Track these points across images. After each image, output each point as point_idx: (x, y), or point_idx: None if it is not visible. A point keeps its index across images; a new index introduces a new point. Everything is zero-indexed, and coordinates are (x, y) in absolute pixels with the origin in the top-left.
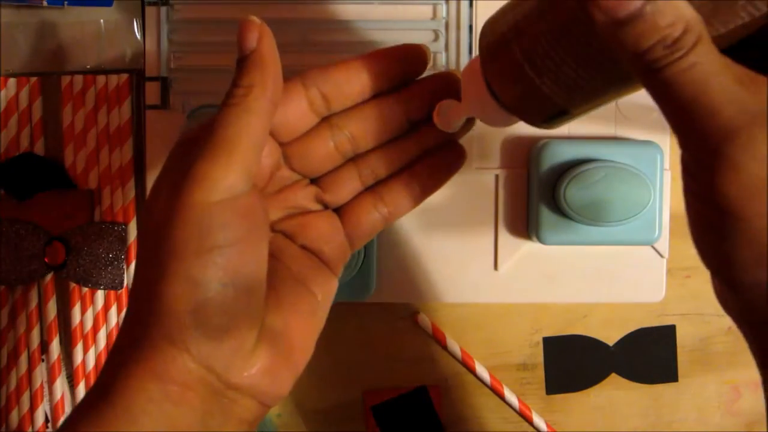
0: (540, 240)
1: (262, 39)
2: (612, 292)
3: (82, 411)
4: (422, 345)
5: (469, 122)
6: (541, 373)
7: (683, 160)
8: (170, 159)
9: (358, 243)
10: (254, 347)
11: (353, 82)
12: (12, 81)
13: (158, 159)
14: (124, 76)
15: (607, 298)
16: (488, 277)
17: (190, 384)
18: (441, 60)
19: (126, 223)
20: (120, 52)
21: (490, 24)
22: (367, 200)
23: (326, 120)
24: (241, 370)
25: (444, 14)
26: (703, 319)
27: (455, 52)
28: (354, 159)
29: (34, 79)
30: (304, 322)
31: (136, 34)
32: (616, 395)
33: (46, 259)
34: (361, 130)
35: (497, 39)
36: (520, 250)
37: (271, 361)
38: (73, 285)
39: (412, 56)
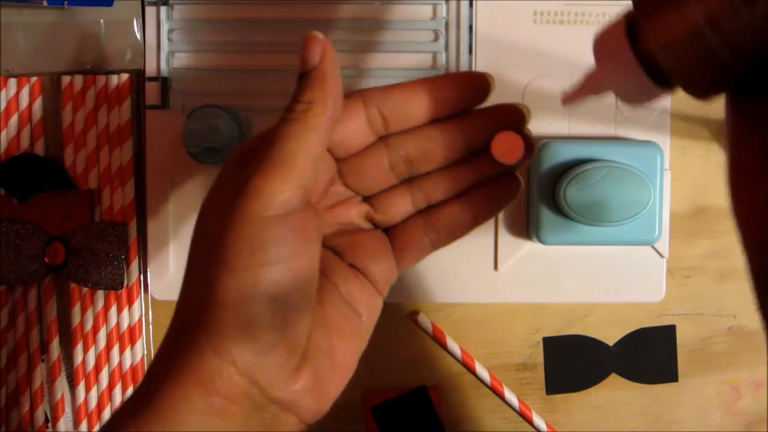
0: (540, 240)
1: (324, 56)
2: (612, 292)
3: (122, 417)
4: (422, 345)
5: (528, 155)
6: (541, 373)
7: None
8: (225, 169)
9: (405, 265)
10: (299, 364)
11: (414, 105)
12: (12, 81)
13: (158, 159)
14: (124, 76)
15: (607, 298)
16: (488, 277)
17: (233, 397)
18: (441, 60)
19: (126, 223)
20: (120, 52)
21: None
22: (418, 223)
23: (383, 139)
24: (285, 386)
25: (444, 14)
26: (703, 319)
27: (455, 52)
28: (408, 181)
29: (34, 79)
30: (349, 342)
31: (136, 34)
32: (616, 395)
33: (46, 259)
34: (418, 152)
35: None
36: (520, 250)
37: (314, 378)
38: (73, 285)
39: (476, 84)
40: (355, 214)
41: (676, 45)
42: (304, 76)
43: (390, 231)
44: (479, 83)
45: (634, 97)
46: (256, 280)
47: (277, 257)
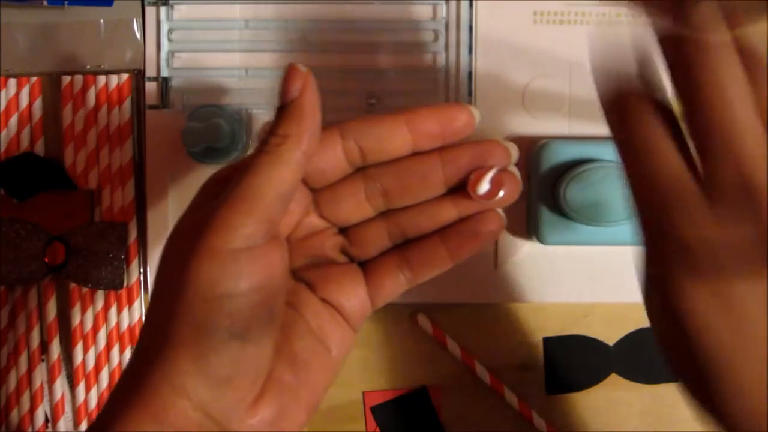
0: (540, 240)
1: (305, 89)
2: (612, 292)
3: None
4: (422, 345)
5: (510, 194)
6: (541, 373)
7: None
8: (198, 197)
9: (379, 301)
10: (258, 398)
11: (393, 138)
12: (12, 81)
13: (158, 159)
14: (124, 76)
15: (607, 298)
16: (488, 277)
17: (187, 430)
18: (441, 60)
19: (126, 223)
20: (120, 52)
21: None
22: (393, 260)
23: (361, 170)
24: (241, 420)
25: (444, 14)
26: None
27: (455, 52)
28: (385, 214)
29: (34, 79)
30: (315, 376)
31: (136, 34)
32: (616, 395)
33: (46, 259)
34: (396, 185)
35: None
36: (520, 250)
37: (275, 412)
38: (73, 285)
39: (458, 117)
40: (329, 246)
41: None
42: (282, 109)
43: (365, 265)
44: (462, 116)
45: None
46: (211, 313)
47: (235, 290)
